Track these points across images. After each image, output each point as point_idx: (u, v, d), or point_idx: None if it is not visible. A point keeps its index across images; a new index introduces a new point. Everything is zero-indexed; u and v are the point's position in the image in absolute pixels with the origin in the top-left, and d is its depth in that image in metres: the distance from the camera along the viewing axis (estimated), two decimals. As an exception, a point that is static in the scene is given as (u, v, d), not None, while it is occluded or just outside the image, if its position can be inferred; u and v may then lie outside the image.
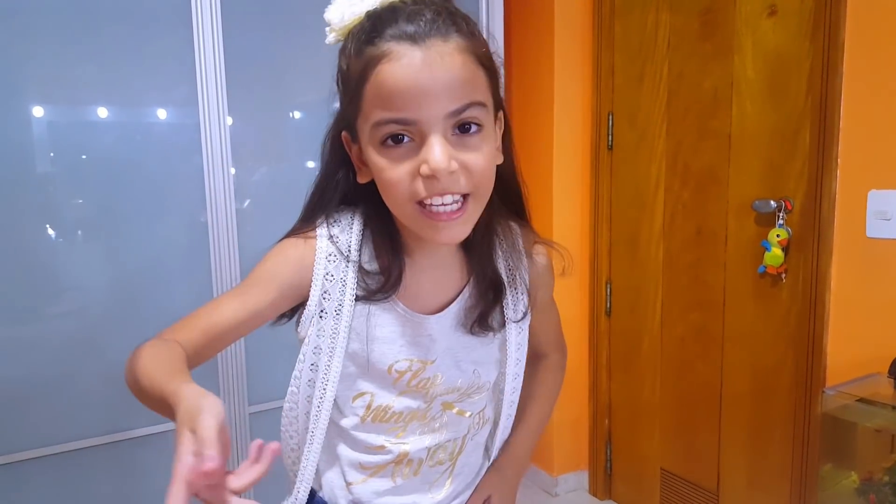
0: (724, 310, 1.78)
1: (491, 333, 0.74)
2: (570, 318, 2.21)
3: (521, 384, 0.80)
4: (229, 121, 1.61)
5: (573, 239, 2.20)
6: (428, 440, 0.74)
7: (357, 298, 0.68)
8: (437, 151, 0.56)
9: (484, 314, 0.72)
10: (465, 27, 0.59)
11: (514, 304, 0.75)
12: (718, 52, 1.74)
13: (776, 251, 1.58)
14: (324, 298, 0.68)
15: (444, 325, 0.72)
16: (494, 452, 0.84)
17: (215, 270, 1.61)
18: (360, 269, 0.69)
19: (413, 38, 0.56)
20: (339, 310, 0.68)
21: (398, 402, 0.72)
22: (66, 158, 1.47)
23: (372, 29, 0.58)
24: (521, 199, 0.76)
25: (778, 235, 1.58)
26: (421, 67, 0.55)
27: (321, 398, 0.70)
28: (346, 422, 0.74)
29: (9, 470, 1.45)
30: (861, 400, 1.25)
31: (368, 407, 0.72)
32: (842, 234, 1.48)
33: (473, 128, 0.59)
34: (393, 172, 0.59)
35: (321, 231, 0.69)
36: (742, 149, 1.70)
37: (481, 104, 0.59)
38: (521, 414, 0.84)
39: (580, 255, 2.21)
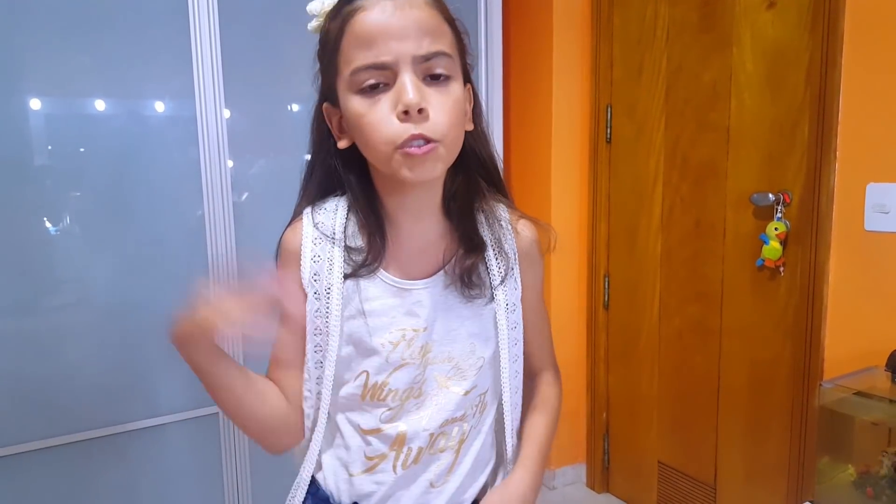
0: (722, 303, 1.79)
1: (480, 300, 0.74)
2: (569, 310, 2.21)
3: (520, 368, 0.79)
4: (226, 113, 1.60)
5: (572, 231, 2.20)
6: (425, 421, 0.73)
7: (346, 277, 0.71)
8: (409, 87, 0.61)
9: (467, 270, 0.73)
10: None
11: (499, 266, 0.76)
12: (717, 44, 1.73)
13: (774, 244, 1.58)
14: (314, 280, 0.71)
15: (434, 292, 0.73)
16: (509, 448, 0.80)
17: (212, 263, 1.61)
18: (346, 248, 0.72)
19: None
20: (329, 289, 0.71)
21: (393, 379, 0.72)
22: (64, 151, 1.47)
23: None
24: (497, 172, 0.79)
25: (776, 228, 1.58)
26: (392, 12, 0.62)
27: (322, 377, 0.72)
28: (347, 403, 0.74)
29: (8, 462, 1.45)
30: (858, 393, 1.26)
31: (365, 385, 0.73)
32: (840, 228, 1.48)
33: (442, 77, 0.64)
34: (371, 116, 0.63)
35: (306, 220, 0.73)
36: (741, 142, 1.70)
37: (448, 55, 0.64)
38: (522, 426, 0.83)
39: (579, 248, 2.21)
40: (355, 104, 0.64)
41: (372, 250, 0.71)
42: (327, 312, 0.71)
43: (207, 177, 1.59)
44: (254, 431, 0.75)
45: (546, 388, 0.86)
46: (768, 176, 1.64)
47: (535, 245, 0.80)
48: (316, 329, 0.72)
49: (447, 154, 0.66)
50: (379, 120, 0.63)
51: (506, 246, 0.76)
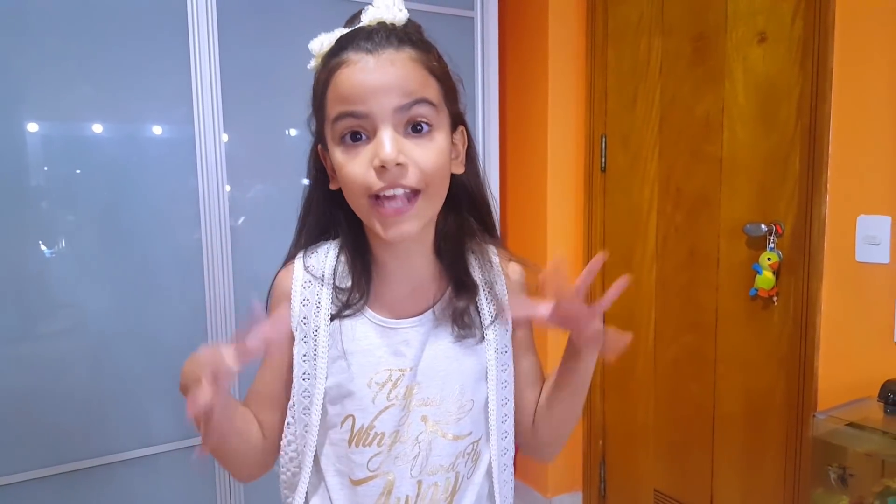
0: (717, 332, 1.79)
1: (471, 339, 0.73)
2: (565, 337, 2.20)
3: (511, 412, 0.77)
4: (225, 137, 1.62)
5: (567, 259, 2.20)
6: (415, 468, 0.71)
7: (332, 318, 0.71)
8: (386, 142, 0.62)
9: (458, 311, 0.73)
10: (421, 45, 0.67)
11: (489, 307, 0.75)
12: (710, 77, 1.77)
13: (767, 274, 1.59)
14: (303, 324, 0.71)
15: (422, 331, 0.72)
16: (498, 499, 0.76)
17: (209, 288, 1.61)
18: (335, 288, 0.72)
19: (368, 49, 0.64)
20: (317, 331, 0.71)
21: (379, 422, 0.71)
22: (61, 173, 1.47)
23: (338, 46, 0.67)
24: (489, 215, 0.79)
25: (769, 259, 1.59)
26: (373, 68, 0.63)
27: (309, 424, 0.71)
28: (335, 451, 0.73)
29: (3, 493, 1.43)
30: (851, 424, 1.26)
31: (352, 430, 0.71)
32: (831, 259, 1.50)
33: (425, 127, 0.64)
34: (350, 167, 0.64)
35: (298, 263, 0.74)
36: (733, 173, 1.72)
37: (430, 103, 0.64)
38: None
39: (574, 276, 2.22)
40: (337, 154, 0.66)
41: (357, 289, 0.71)
42: (315, 355, 0.71)
43: (205, 201, 1.60)
44: (230, 463, 0.76)
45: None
46: (761, 207, 1.66)
47: (525, 288, 0.80)
48: (304, 374, 0.71)
49: (426, 207, 0.66)
50: (357, 172, 0.64)
51: (497, 288, 0.76)
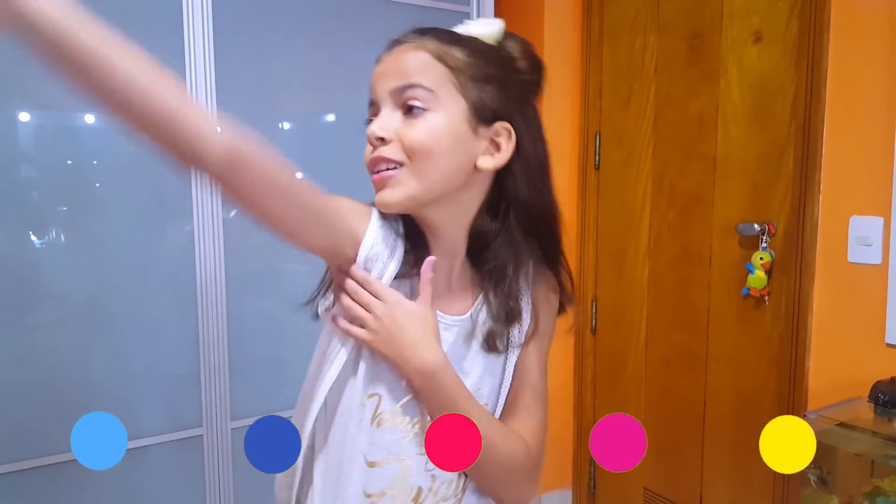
0: (709, 330, 1.80)
1: (497, 353, 0.75)
2: (556, 334, 2.21)
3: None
4: (218, 130, 1.60)
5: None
6: (427, 460, 0.72)
7: (397, 276, 0.70)
8: (377, 121, 0.68)
9: (495, 333, 0.73)
10: (449, 39, 0.69)
11: (521, 330, 0.76)
12: (705, 76, 1.77)
13: (759, 274, 1.60)
14: (371, 260, 0.68)
15: (454, 333, 0.73)
16: None
17: (200, 280, 1.60)
18: (404, 246, 0.71)
19: (394, 43, 0.70)
20: (382, 274, 0.69)
21: (404, 406, 0.71)
22: (52, 164, 1.46)
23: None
24: (552, 244, 0.77)
25: (761, 258, 1.60)
26: (385, 59, 0.70)
27: (345, 374, 0.70)
28: (356, 427, 0.71)
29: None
30: (841, 424, 1.27)
31: (376, 409, 0.71)
32: (824, 259, 1.50)
33: (416, 109, 0.67)
34: (366, 148, 0.70)
35: (374, 209, 0.71)
36: (727, 172, 1.73)
37: (424, 88, 0.67)
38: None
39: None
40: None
41: (420, 259, 0.70)
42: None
43: (197, 193, 1.58)
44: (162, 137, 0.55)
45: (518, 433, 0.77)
46: (754, 206, 1.66)
47: (551, 295, 0.79)
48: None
49: (409, 179, 0.67)
50: (366, 152, 0.69)
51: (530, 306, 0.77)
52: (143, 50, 0.51)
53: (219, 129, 0.58)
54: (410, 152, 0.66)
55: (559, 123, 2.18)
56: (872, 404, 1.32)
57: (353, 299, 0.68)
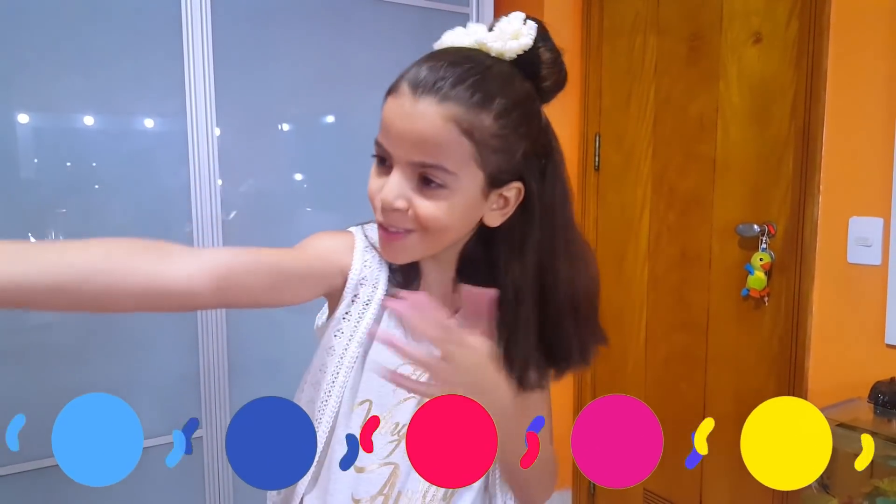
0: (708, 332, 1.80)
1: None
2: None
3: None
4: (217, 131, 1.60)
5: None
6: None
7: (386, 294, 0.71)
8: (391, 185, 0.64)
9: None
10: (475, 99, 0.62)
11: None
12: (704, 77, 1.77)
13: (759, 275, 1.60)
14: (360, 284, 0.70)
15: None
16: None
17: (199, 282, 1.60)
18: (390, 267, 0.72)
19: (416, 86, 0.62)
20: (371, 299, 0.70)
21: (396, 411, 0.71)
22: (51, 165, 1.46)
23: (407, 68, 0.66)
24: (584, 302, 0.80)
25: (761, 259, 1.60)
26: (405, 114, 0.62)
27: (331, 386, 0.70)
28: (346, 433, 0.71)
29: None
30: (841, 425, 1.26)
31: (366, 415, 0.71)
32: (823, 260, 1.50)
33: (434, 184, 0.64)
34: (372, 183, 0.67)
35: (356, 231, 0.73)
36: (726, 173, 1.72)
37: (445, 170, 0.63)
38: None
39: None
40: (373, 165, 0.68)
41: (412, 276, 0.71)
42: (359, 318, 0.70)
43: (197, 195, 1.58)
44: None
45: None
46: (753, 207, 1.66)
47: None
48: (339, 331, 0.70)
49: (418, 244, 0.67)
50: (373, 190, 0.67)
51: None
52: (96, 241, 0.53)
53: (195, 266, 0.58)
54: (424, 224, 0.65)
55: (558, 125, 2.14)
56: (872, 405, 1.32)
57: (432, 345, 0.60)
